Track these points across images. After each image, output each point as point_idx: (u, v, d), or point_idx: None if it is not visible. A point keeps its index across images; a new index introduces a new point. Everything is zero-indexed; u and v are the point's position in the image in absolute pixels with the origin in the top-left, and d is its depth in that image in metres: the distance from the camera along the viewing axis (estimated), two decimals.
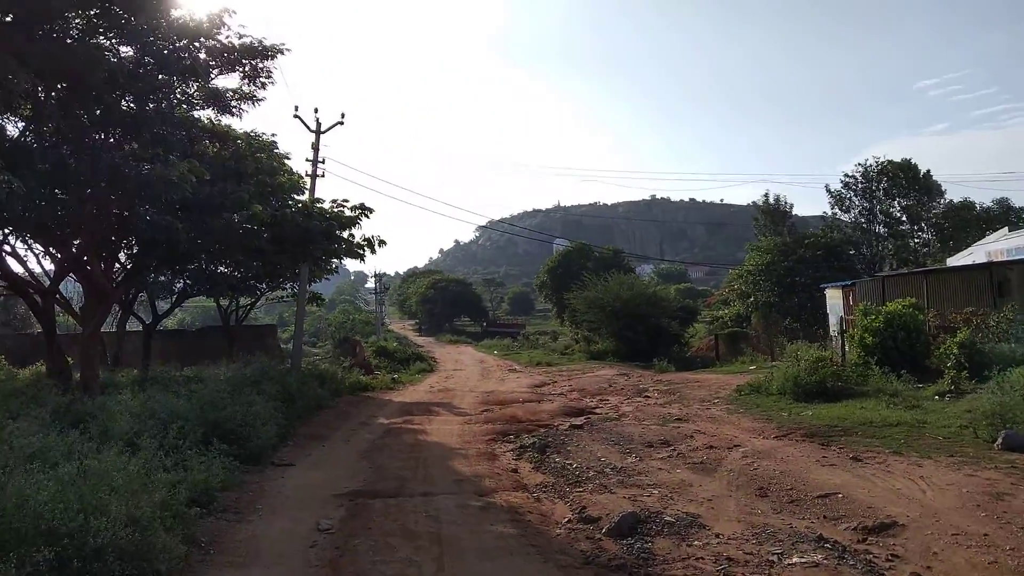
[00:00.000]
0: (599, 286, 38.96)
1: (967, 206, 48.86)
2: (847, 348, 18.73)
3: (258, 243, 14.95)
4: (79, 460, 6.45)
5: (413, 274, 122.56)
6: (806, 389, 15.70)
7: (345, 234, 17.11)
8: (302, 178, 21.09)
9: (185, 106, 17.78)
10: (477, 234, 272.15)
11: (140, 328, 25.37)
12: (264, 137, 18.13)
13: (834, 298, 29.89)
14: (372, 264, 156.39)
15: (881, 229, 49.74)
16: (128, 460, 6.77)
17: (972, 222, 48.14)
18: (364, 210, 16.96)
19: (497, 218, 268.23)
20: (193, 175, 11.91)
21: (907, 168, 47.44)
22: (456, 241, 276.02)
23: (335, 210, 16.87)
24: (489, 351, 51.67)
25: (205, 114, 18.10)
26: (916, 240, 49.29)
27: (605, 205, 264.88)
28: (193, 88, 17.76)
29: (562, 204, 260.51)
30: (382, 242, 17.35)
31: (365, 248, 17.43)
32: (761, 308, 44.68)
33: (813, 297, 42.34)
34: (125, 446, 8.19)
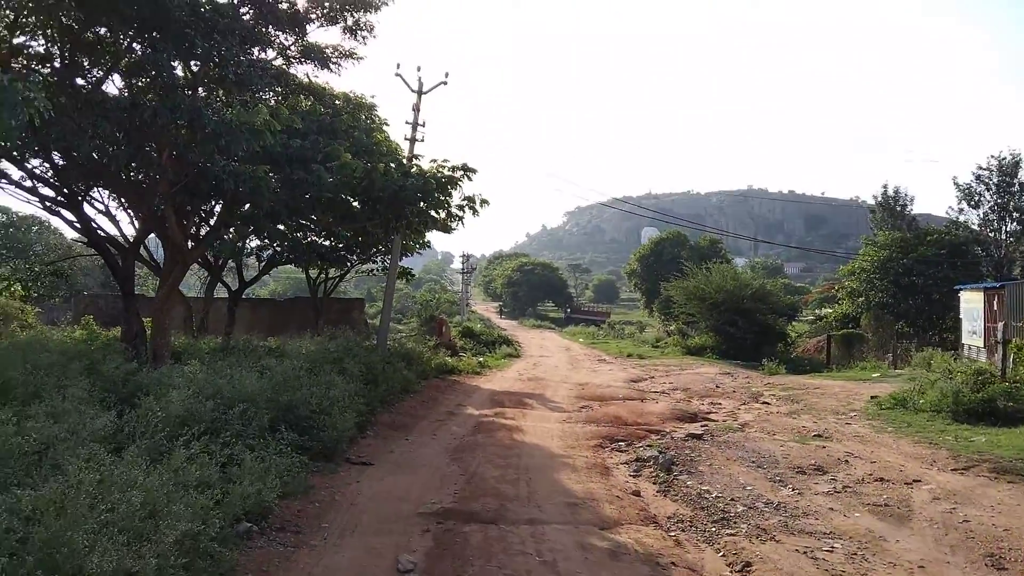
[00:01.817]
0: (700, 276, 36.34)
1: None
2: (1010, 361, 15.90)
3: (348, 203, 13.55)
4: (81, 469, 4.91)
5: (499, 256, 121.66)
6: (968, 408, 13.17)
7: (444, 197, 15.48)
8: (399, 147, 19.68)
9: (281, 59, 16.61)
10: (565, 219, 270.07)
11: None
12: (364, 99, 16.79)
13: (972, 302, 26.51)
14: (459, 244, 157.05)
15: (1014, 227, 44.84)
16: (150, 471, 5.24)
17: None
18: (467, 171, 15.23)
19: (584, 204, 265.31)
20: (278, 123, 10.51)
21: None
22: (543, 226, 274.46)
23: (435, 170, 15.29)
24: (574, 338, 49.76)
25: (302, 70, 16.90)
26: None
27: (698, 194, 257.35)
28: (290, 41, 16.57)
29: (653, 192, 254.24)
30: (484, 202, 15.54)
31: (466, 209, 15.72)
32: (873, 309, 41.15)
33: (931, 300, 38.62)
34: (166, 439, 6.78)
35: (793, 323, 43.58)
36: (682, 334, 40.46)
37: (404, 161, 16.16)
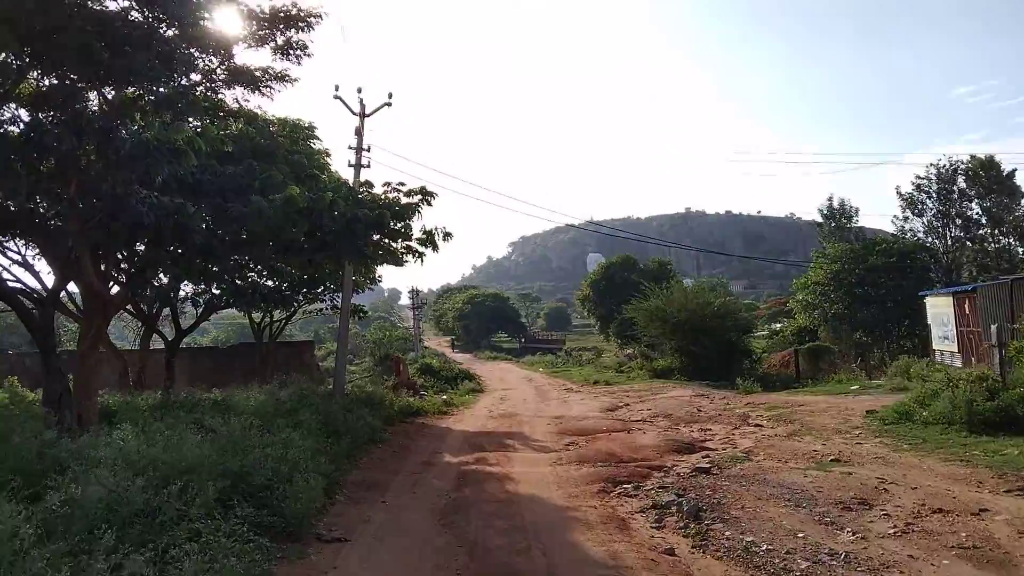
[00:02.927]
0: (661, 296, 35.49)
1: None
2: (1008, 366, 15.13)
3: (293, 234, 11.92)
4: None
5: (448, 290, 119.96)
6: (984, 418, 12.26)
7: (401, 228, 13.88)
8: (340, 176, 18.16)
9: (206, 86, 15.07)
10: (510, 249, 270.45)
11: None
12: (302, 122, 15.25)
13: (940, 307, 26.20)
14: (406, 280, 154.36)
15: (958, 232, 45.63)
16: None
17: None
18: (426, 195, 13.73)
19: (529, 234, 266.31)
20: (204, 143, 9.00)
21: (989, 167, 43.37)
22: (489, 257, 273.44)
23: (388, 196, 13.73)
24: (533, 368, 48.41)
25: (231, 95, 15.37)
26: (996, 244, 45.09)
27: (639, 219, 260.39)
28: (216, 63, 15.06)
29: (594, 218, 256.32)
30: (448, 235, 14.02)
31: (426, 244, 14.13)
32: (831, 320, 41.08)
33: (885, 308, 38.73)
34: (84, 537, 5.18)
35: (749, 339, 43.20)
36: (645, 357, 39.50)
37: (352, 187, 14.61)
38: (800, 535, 6.91)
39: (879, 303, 38.56)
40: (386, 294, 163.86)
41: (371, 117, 18.50)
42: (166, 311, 23.08)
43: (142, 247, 12.53)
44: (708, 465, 11.13)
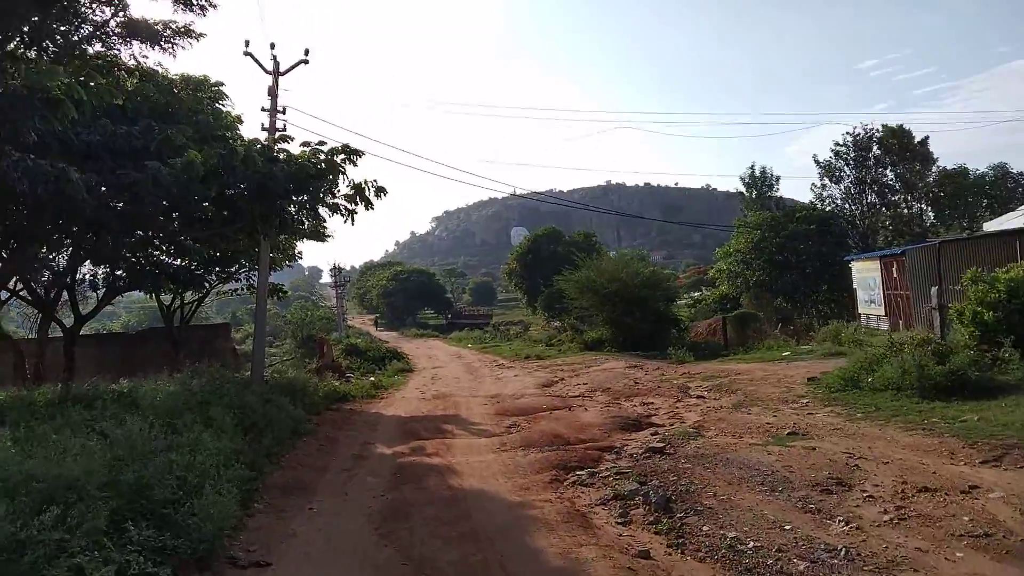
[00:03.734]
0: (592, 267, 34.97)
1: (962, 172, 46.39)
2: (947, 328, 15.11)
3: (197, 204, 10.45)
4: None
5: (371, 267, 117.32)
6: (936, 383, 12.01)
7: (325, 188, 12.37)
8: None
9: (99, 41, 13.26)
10: (433, 224, 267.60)
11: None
12: (208, 79, 13.48)
13: (866, 271, 26.56)
14: (327, 258, 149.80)
15: (872, 199, 46.97)
16: None
17: (968, 189, 45.85)
18: (350, 153, 12.21)
19: (452, 208, 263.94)
20: (85, 94, 7.52)
21: (901, 134, 44.63)
22: (412, 233, 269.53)
23: (308, 155, 12.19)
24: (462, 344, 47.45)
25: (128, 52, 13.61)
26: (909, 209, 46.65)
27: (561, 192, 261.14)
28: (109, 14, 13.25)
29: (518, 191, 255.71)
30: (381, 190, 12.48)
31: (356, 201, 12.61)
32: (753, 288, 41.73)
33: (805, 274, 39.60)
34: None
35: (676, 308, 43.48)
36: (575, 329, 39.12)
37: (265, 144, 13.02)
38: (787, 527, 6.20)
39: (799, 269, 39.37)
40: (307, 272, 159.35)
41: (286, 76, 16.82)
42: (65, 295, 20.98)
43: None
44: (661, 444, 10.43)
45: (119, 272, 18.45)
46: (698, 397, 15.78)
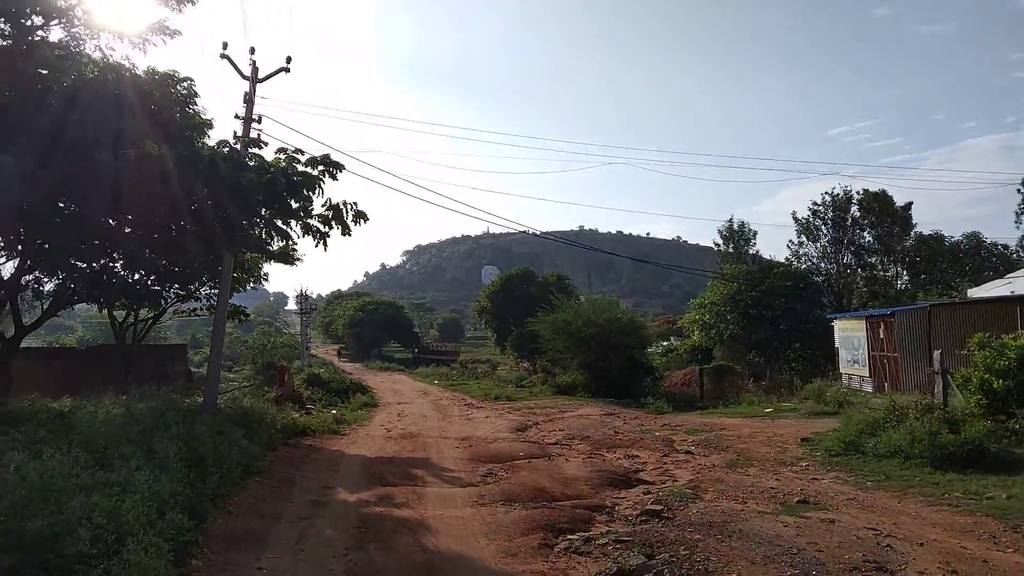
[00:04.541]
0: (568, 309, 34.08)
1: (938, 238, 46.79)
2: (950, 395, 14.32)
3: (153, 205, 9.24)
4: None
5: (339, 296, 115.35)
6: (948, 453, 11.14)
7: (299, 202, 11.15)
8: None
9: (63, 30, 12.15)
10: (404, 258, 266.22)
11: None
12: (176, 74, 12.34)
13: (850, 330, 26.00)
14: (293, 284, 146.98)
15: (849, 259, 47.08)
16: None
17: (943, 255, 46.17)
18: (329, 165, 11.04)
19: (425, 243, 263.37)
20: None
21: (882, 198, 44.98)
22: (383, 264, 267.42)
23: (283, 163, 10.98)
24: (428, 380, 45.97)
25: (93, 44, 12.49)
26: (887, 272, 46.80)
27: (535, 234, 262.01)
28: (72, 2, 12.16)
29: (491, 231, 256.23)
30: (361, 214, 11.30)
31: (331, 222, 11.34)
32: (727, 341, 41.22)
33: (778, 330, 39.16)
34: None
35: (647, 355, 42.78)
36: (547, 372, 38.03)
37: (237, 148, 11.75)
38: None
39: (774, 325, 38.95)
40: (271, 298, 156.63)
41: (265, 83, 15.68)
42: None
43: None
44: (659, 507, 9.35)
45: (68, 283, 17.07)
46: (686, 452, 14.77)
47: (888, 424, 13.14)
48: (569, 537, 7.99)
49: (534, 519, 8.74)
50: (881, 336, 23.00)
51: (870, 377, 23.76)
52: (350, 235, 11.33)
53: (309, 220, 11.46)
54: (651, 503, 9.75)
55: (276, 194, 10.22)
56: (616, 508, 9.72)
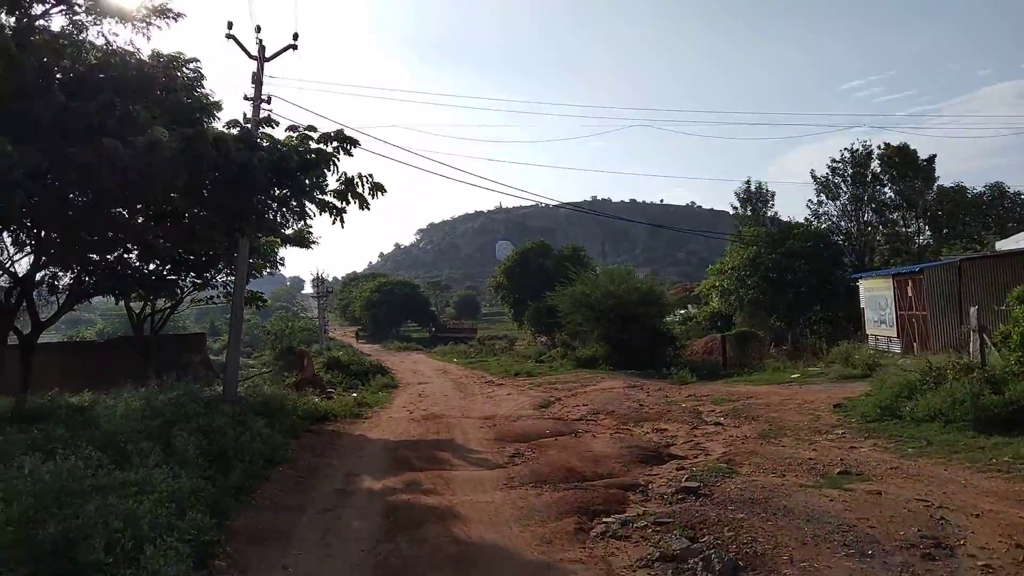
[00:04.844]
0: (586, 281, 33.70)
1: (960, 191, 45.60)
2: (988, 352, 13.83)
3: (164, 192, 8.92)
4: None
5: (355, 278, 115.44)
6: (992, 414, 10.72)
7: (310, 182, 10.79)
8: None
9: (65, 17, 11.77)
10: (418, 237, 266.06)
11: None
12: (182, 55, 11.97)
13: (876, 290, 25.42)
14: (309, 268, 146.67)
15: (869, 216, 46.00)
16: None
17: (966, 208, 45.10)
18: (343, 142, 10.62)
19: (438, 220, 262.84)
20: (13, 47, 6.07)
21: (904, 152, 43.77)
22: (397, 244, 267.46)
23: (296, 141, 10.60)
24: (447, 359, 45.91)
25: (96, 31, 12.13)
26: (909, 228, 45.75)
27: (547, 206, 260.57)
28: None
29: (504, 205, 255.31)
30: (378, 187, 10.90)
31: (348, 196, 10.97)
32: (747, 306, 40.57)
33: (799, 293, 38.48)
34: None
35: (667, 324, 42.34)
36: (567, 346, 37.77)
37: (247, 128, 11.37)
38: None
39: (794, 287, 38.27)
40: (288, 283, 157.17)
41: (272, 62, 15.22)
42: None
43: None
44: (695, 484, 9.02)
45: (83, 276, 16.89)
46: (715, 424, 14.44)
47: (925, 386, 12.73)
48: (605, 520, 7.69)
49: (567, 501, 8.44)
50: (909, 294, 22.43)
51: (898, 337, 23.24)
52: (368, 208, 10.95)
53: (324, 196, 11.09)
54: (686, 480, 9.44)
55: (288, 172, 9.86)
56: (650, 486, 9.42)
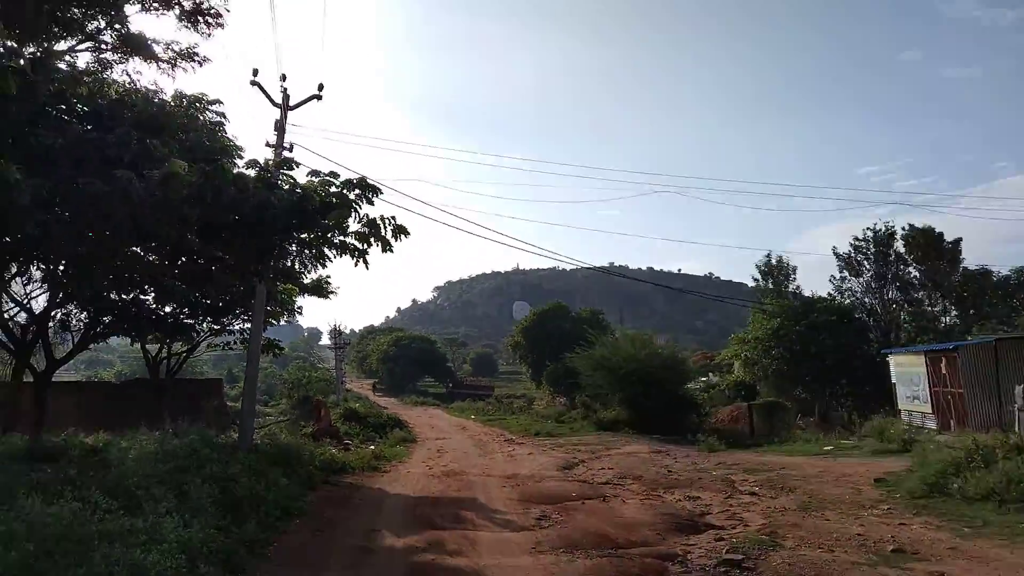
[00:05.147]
0: (606, 344, 33.34)
1: (985, 274, 45.09)
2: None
3: (180, 231, 8.65)
4: None
5: (372, 331, 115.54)
6: None
7: (334, 221, 10.58)
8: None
9: (91, 54, 11.93)
10: (435, 294, 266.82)
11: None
12: (205, 97, 12.03)
13: (908, 366, 24.71)
14: (326, 320, 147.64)
15: (894, 294, 45.43)
16: None
17: (992, 290, 44.52)
18: (366, 188, 10.35)
19: (455, 279, 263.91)
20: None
21: (929, 234, 43.58)
22: (414, 300, 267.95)
23: (316, 187, 10.37)
24: (465, 415, 45.29)
25: (121, 69, 12.32)
26: (935, 308, 45.06)
27: (565, 270, 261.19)
28: (103, 23, 11.96)
29: (521, 267, 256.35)
30: (401, 229, 10.58)
31: (371, 239, 10.68)
32: (772, 376, 39.84)
33: (824, 365, 37.68)
34: None
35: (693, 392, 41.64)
36: (587, 407, 37.07)
37: (264, 166, 11.22)
38: None
39: (820, 359, 37.60)
40: (306, 334, 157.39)
41: (296, 110, 15.34)
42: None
43: None
44: (739, 556, 8.44)
45: (99, 316, 16.73)
46: (750, 494, 13.76)
47: (973, 464, 12.07)
48: None
49: (602, 570, 7.89)
50: (944, 371, 21.73)
51: (933, 414, 22.44)
52: (391, 251, 10.66)
53: (345, 238, 10.87)
54: (727, 551, 8.84)
55: (308, 214, 9.64)
56: (688, 556, 8.83)
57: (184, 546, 6.13)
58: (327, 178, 10.33)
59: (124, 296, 14.14)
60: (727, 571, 7.97)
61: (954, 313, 45.26)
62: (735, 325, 58.85)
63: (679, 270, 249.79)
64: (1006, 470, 10.92)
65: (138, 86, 11.85)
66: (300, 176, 10.94)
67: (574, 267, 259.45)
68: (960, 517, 10.37)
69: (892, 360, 26.87)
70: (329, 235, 10.75)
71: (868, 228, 44.73)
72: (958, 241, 43.34)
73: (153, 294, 14.76)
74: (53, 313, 14.48)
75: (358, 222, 10.42)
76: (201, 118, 10.92)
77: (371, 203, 10.86)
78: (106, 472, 9.06)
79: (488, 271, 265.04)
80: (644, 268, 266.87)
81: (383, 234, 10.40)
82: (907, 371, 24.87)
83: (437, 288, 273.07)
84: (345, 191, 10.39)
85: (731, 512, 11.90)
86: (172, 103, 10.96)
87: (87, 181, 7.46)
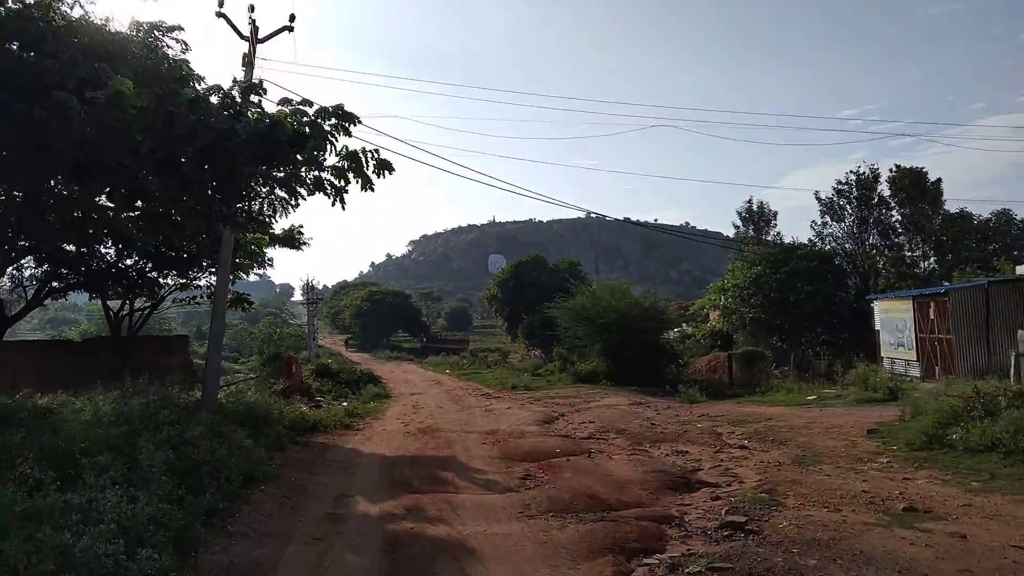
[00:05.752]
0: (587, 295, 32.71)
1: (965, 217, 44.96)
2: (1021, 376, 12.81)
3: (131, 163, 7.60)
4: None
5: (345, 287, 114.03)
6: None
7: (309, 155, 9.49)
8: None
9: None
10: (410, 248, 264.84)
11: None
12: (163, 23, 10.74)
13: (894, 312, 24.38)
14: (299, 276, 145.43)
15: (875, 239, 45.18)
16: None
17: (971, 234, 44.47)
18: (342, 118, 9.36)
19: (430, 232, 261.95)
20: None
21: (915, 174, 43.10)
22: (388, 255, 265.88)
23: (285, 116, 9.24)
24: (439, 370, 44.67)
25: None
26: (915, 253, 44.95)
27: (540, 222, 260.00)
28: None
29: (497, 219, 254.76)
30: (384, 164, 9.61)
31: (349, 173, 9.62)
32: (749, 325, 39.65)
33: (803, 313, 37.53)
34: None
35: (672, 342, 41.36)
36: (564, 360, 36.61)
37: (231, 93, 9.99)
38: None
39: (798, 308, 37.38)
40: (277, 290, 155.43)
41: (266, 43, 14.13)
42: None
43: None
44: (741, 518, 7.84)
45: (54, 268, 15.61)
46: (740, 447, 13.24)
47: (974, 414, 11.61)
48: (647, 561, 6.52)
49: (596, 536, 7.24)
50: (931, 317, 21.39)
51: (917, 361, 22.19)
52: (372, 189, 9.65)
53: (321, 173, 9.79)
54: (728, 512, 8.25)
55: (279, 144, 8.57)
56: (686, 518, 8.24)
57: (127, 524, 5.32)
58: (299, 107, 9.25)
59: (82, 249, 12.98)
60: (730, 534, 7.37)
61: (933, 258, 45.24)
62: (709, 275, 58.40)
63: (655, 219, 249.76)
64: (1013, 419, 10.44)
65: (88, 16, 10.55)
66: (270, 108, 9.87)
67: (550, 220, 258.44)
68: (965, 470, 9.90)
69: (877, 306, 26.56)
70: (303, 170, 9.69)
71: (852, 171, 44.10)
72: (939, 181, 43.00)
73: (112, 246, 13.61)
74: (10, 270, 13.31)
75: (336, 155, 9.38)
76: (160, 46, 9.69)
77: (348, 134, 9.84)
78: (58, 438, 8.20)
79: (464, 224, 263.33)
80: (620, 218, 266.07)
81: (364, 169, 9.39)
82: (892, 317, 24.54)
83: (412, 242, 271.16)
84: (320, 120, 9.33)
85: (723, 467, 11.38)
86: (127, 32, 9.74)
87: (22, 107, 6.39)
